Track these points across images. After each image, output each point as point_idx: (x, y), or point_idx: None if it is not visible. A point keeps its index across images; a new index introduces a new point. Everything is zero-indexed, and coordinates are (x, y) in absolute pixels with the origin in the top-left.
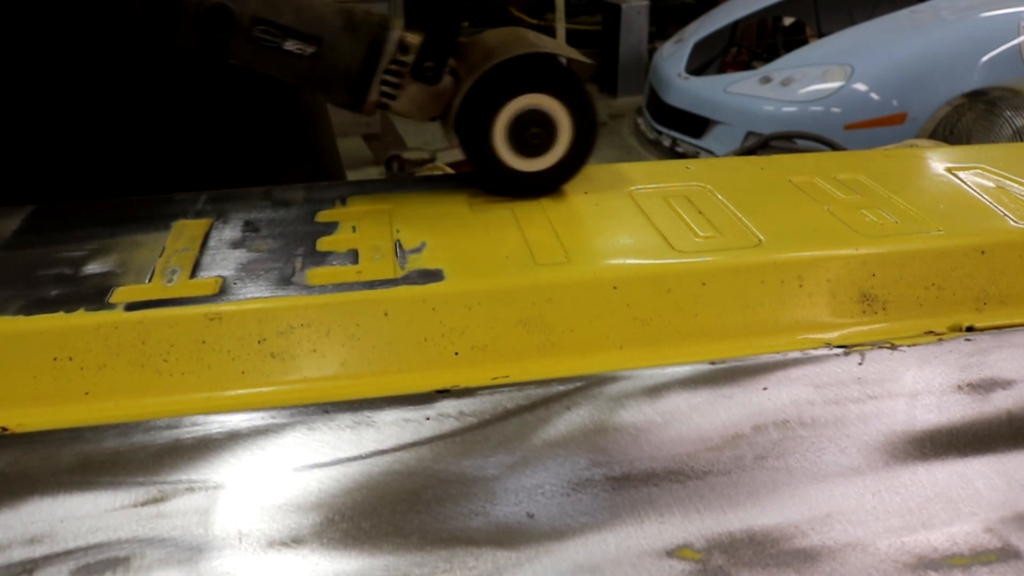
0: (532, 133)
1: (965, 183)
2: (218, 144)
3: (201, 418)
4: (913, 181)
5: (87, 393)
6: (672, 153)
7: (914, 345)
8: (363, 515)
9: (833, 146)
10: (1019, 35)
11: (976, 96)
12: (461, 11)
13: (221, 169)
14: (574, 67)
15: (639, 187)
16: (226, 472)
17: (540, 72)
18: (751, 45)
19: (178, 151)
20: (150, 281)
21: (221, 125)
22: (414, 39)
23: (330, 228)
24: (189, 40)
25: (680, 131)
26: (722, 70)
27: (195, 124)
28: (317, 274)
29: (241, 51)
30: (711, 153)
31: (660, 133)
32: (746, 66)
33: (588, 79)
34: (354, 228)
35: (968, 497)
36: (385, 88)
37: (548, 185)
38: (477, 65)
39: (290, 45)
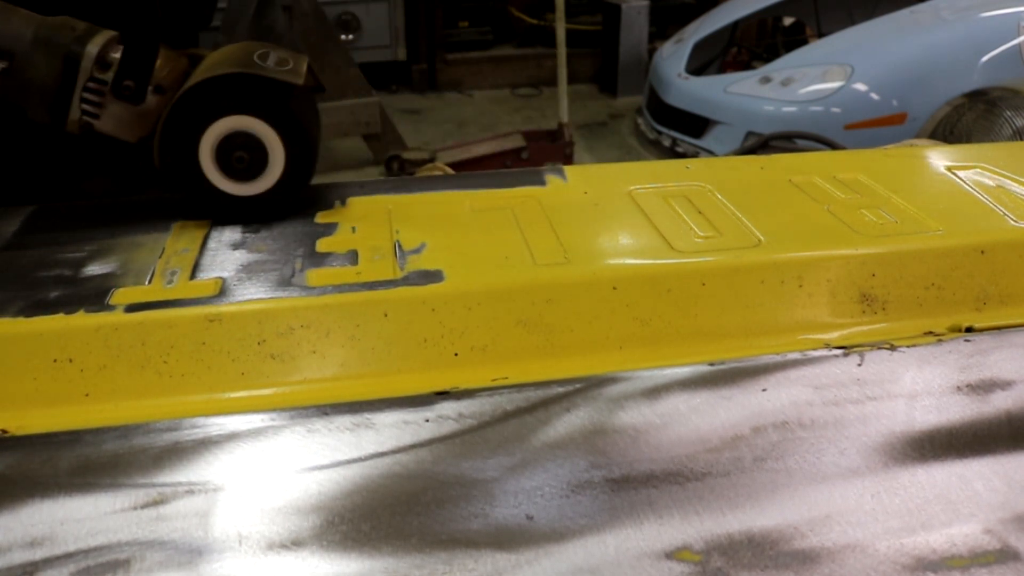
0: (237, 157)
1: (965, 183)
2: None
3: (201, 420)
4: (913, 181)
5: (87, 395)
6: (672, 153)
7: (914, 346)
8: (363, 517)
9: (833, 146)
10: (1019, 35)
11: (976, 96)
12: (156, 29)
13: (146, 177)
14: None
15: (639, 187)
16: (226, 474)
17: (249, 93)
18: (751, 45)
19: (127, 157)
20: (150, 282)
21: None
22: (119, 55)
23: (330, 229)
24: None
25: (680, 131)
26: (722, 70)
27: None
28: (317, 275)
29: None
30: (711, 153)
31: (660, 133)
32: (746, 66)
33: (589, 78)
34: (354, 229)
35: (967, 498)
36: (85, 107)
37: (260, 211)
38: (184, 84)
39: None
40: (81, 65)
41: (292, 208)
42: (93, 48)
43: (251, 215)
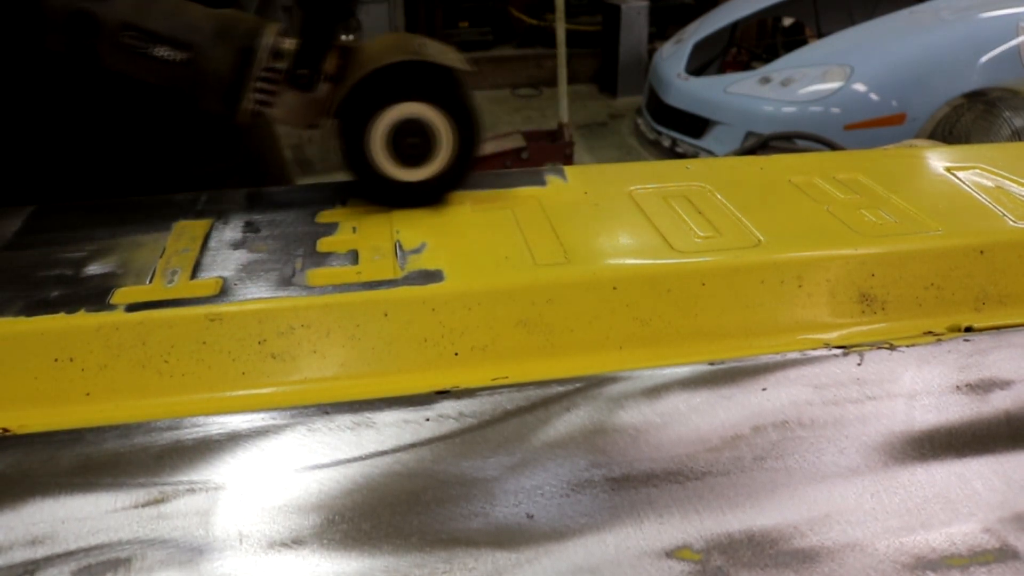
0: (410, 143)
1: (964, 183)
2: (151, 152)
3: (202, 419)
4: (912, 181)
5: (88, 394)
6: (672, 153)
7: (913, 345)
8: (363, 516)
9: (833, 146)
10: (1019, 35)
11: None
12: (334, 18)
13: (155, 177)
14: (460, 75)
15: (639, 187)
16: (227, 473)
17: (418, 80)
18: (751, 45)
19: (110, 159)
20: (151, 282)
21: (155, 133)
22: (290, 45)
23: (330, 229)
24: (58, 45)
25: (680, 131)
26: (722, 70)
27: (126, 133)
28: (317, 275)
29: (110, 57)
30: (711, 153)
31: (660, 133)
32: (746, 66)
33: (589, 78)
34: (354, 229)
35: (966, 498)
36: (259, 95)
37: (429, 196)
38: (355, 72)
39: (160, 51)
40: (257, 55)
41: (293, 209)
42: (268, 39)
43: (419, 200)
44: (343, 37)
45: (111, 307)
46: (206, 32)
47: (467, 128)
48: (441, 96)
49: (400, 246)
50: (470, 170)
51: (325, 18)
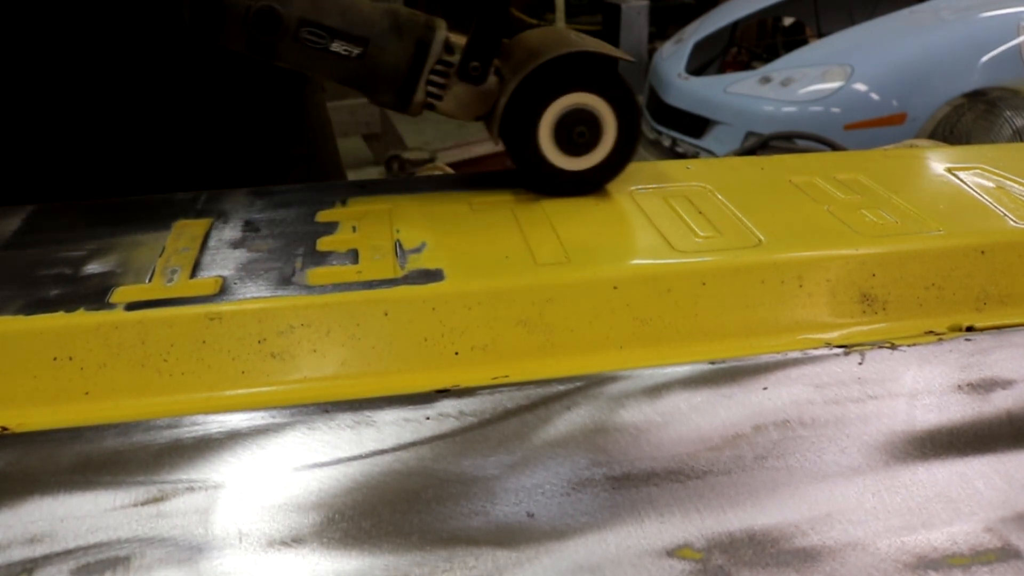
0: (578, 132)
1: (965, 183)
2: (217, 143)
3: (201, 418)
4: (913, 181)
5: (87, 393)
6: (672, 153)
7: (914, 345)
8: (363, 515)
9: (833, 146)
10: (1019, 35)
11: (976, 96)
12: (507, 11)
13: (220, 168)
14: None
15: (639, 187)
16: (226, 472)
17: (585, 71)
18: (751, 45)
19: (177, 150)
20: (150, 281)
21: (221, 124)
22: (459, 39)
23: (330, 228)
24: (235, 42)
25: (680, 131)
26: (722, 70)
27: (194, 123)
28: (317, 274)
29: (288, 53)
30: (711, 153)
31: (660, 133)
32: (746, 66)
33: None
34: (354, 228)
35: (968, 497)
36: (431, 88)
37: (592, 184)
38: (522, 64)
39: (336, 46)
40: (432, 49)
41: (293, 208)
42: (441, 33)
43: (582, 188)
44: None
45: (110, 306)
46: (382, 27)
47: (630, 116)
48: (607, 86)
49: (400, 245)
50: (631, 158)
51: (499, 12)
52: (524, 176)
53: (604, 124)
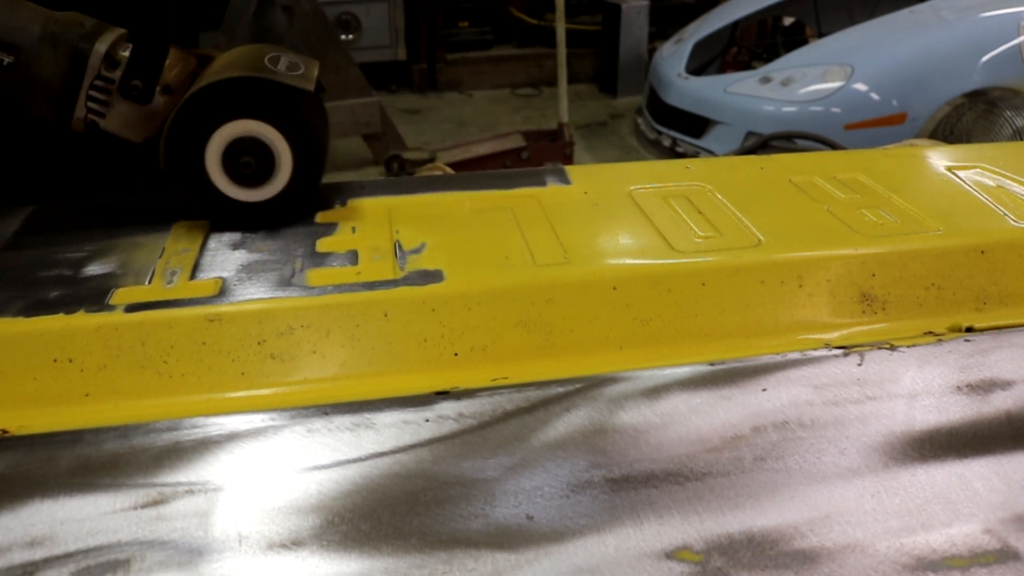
0: (244, 162)
1: (965, 183)
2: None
3: (201, 420)
4: (913, 181)
5: (87, 395)
6: (672, 153)
7: (914, 346)
8: (362, 517)
9: (833, 146)
10: (1019, 35)
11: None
12: (167, 27)
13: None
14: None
15: (639, 187)
16: (226, 474)
17: (254, 97)
18: (751, 45)
19: (127, 156)
20: (150, 282)
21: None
22: (127, 53)
23: (330, 229)
24: None
25: (680, 131)
26: (722, 70)
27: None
28: (317, 275)
29: None
30: (711, 153)
31: (660, 133)
32: (746, 66)
33: (589, 78)
34: (354, 229)
35: (967, 498)
36: (91, 104)
37: (270, 216)
38: (191, 87)
39: None
40: (89, 63)
41: (293, 212)
42: (102, 46)
43: (256, 221)
44: (342, 37)
45: (110, 307)
46: (33, 34)
47: (306, 150)
48: (278, 115)
49: (400, 246)
50: (311, 193)
51: (157, 26)
52: (196, 206)
53: (278, 155)
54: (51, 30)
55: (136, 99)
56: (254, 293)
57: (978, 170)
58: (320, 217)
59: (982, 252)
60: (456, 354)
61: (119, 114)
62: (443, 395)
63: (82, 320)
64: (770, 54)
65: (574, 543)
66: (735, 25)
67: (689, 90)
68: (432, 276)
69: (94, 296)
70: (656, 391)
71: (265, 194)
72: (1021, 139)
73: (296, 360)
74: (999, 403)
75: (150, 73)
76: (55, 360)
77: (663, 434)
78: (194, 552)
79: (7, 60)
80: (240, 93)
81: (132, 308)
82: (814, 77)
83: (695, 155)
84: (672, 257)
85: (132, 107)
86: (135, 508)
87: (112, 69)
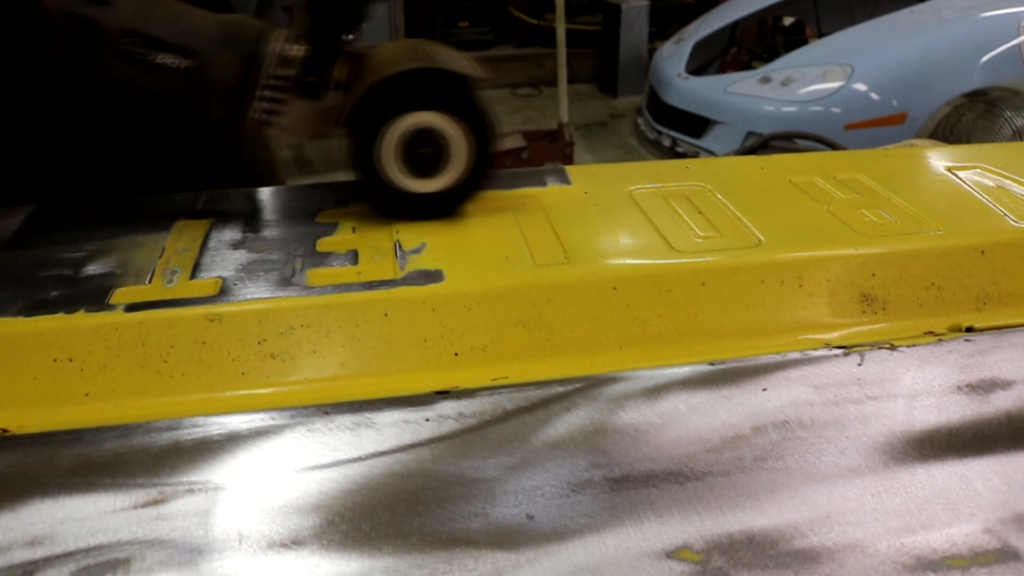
0: (421, 153)
1: (965, 183)
2: (146, 156)
3: (201, 419)
4: (913, 181)
5: (87, 394)
6: (672, 153)
7: (914, 345)
8: (363, 516)
9: (833, 146)
10: (1019, 35)
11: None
12: (344, 23)
13: (149, 182)
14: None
15: (639, 187)
16: (226, 474)
17: (431, 88)
18: (751, 45)
19: (105, 162)
20: (150, 282)
21: (150, 138)
22: (298, 52)
23: (330, 229)
24: (58, 51)
25: (680, 131)
26: (722, 70)
27: (122, 137)
28: (317, 275)
29: (112, 64)
30: (711, 153)
31: (660, 133)
32: (746, 66)
33: (589, 78)
34: (354, 229)
35: (967, 498)
36: (266, 104)
37: (442, 207)
38: (365, 80)
39: (163, 58)
40: (264, 63)
41: (293, 209)
42: (275, 46)
43: (431, 212)
44: (342, 37)
45: (110, 307)
46: (210, 38)
47: (482, 137)
48: (454, 104)
49: (400, 246)
50: (485, 180)
51: (334, 23)
52: (370, 197)
53: (453, 144)
54: (228, 33)
55: (310, 95)
56: (254, 293)
57: (978, 170)
58: (320, 217)
59: (982, 252)
60: (456, 354)
61: (293, 112)
62: (443, 395)
63: (82, 320)
64: (770, 54)
65: (574, 543)
66: (735, 25)
67: (689, 90)
68: (432, 276)
69: (94, 296)
70: (656, 391)
71: (441, 184)
72: (1021, 139)
73: (296, 360)
74: (999, 403)
75: (325, 69)
76: (55, 359)
77: (663, 434)
78: (194, 551)
79: (185, 64)
80: (417, 84)
81: (132, 308)
82: (814, 77)
83: (695, 155)
84: (672, 257)
85: (306, 104)
86: (135, 507)
87: (285, 68)
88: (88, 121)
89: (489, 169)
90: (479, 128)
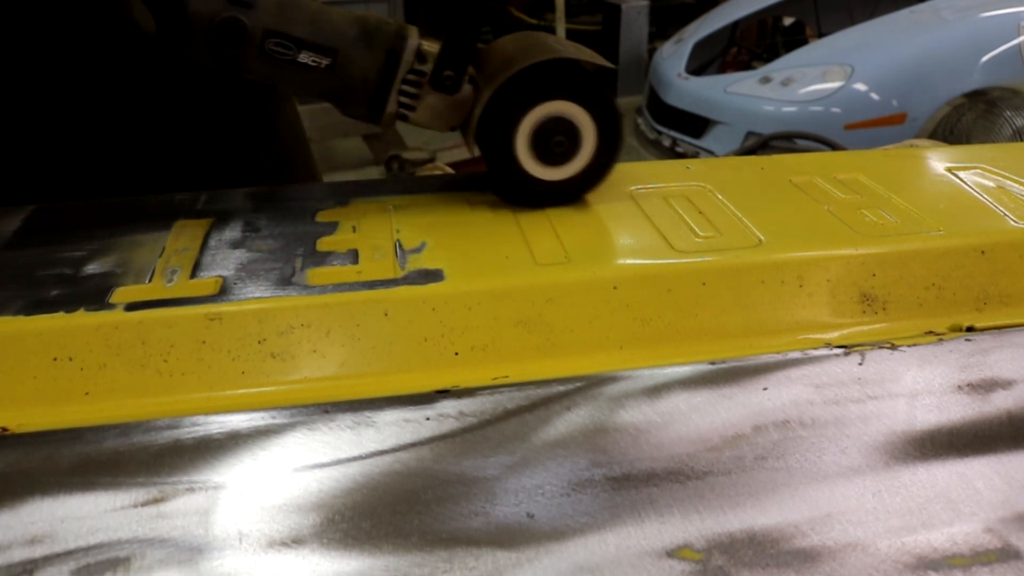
0: (556, 141)
1: (965, 183)
2: (185, 153)
3: (201, 418)
4: (913, 181)
5: (87, 393)
6: (672, 153)
7: (914, 345)
8: (363, 515)
9: (833, 146)
10: (1019, 35)
11: (976, 96)
12: (481, 17)
13: (187, 179)
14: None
15: (639, 187)
16: (226, 472)
17: (563, 78)
18: (751, 45)
19: (144, 159)
20: (150, 281)
21: (189, 135)
22: (432, 47)
23: (330, 228)
24: (202, 55)
25: (680, 131)
26: (722, 70)
27: (162, 134)
28: (317, 274)
29: (255, 65)
30: (711, 153)
31: (660, 133)
32: (746, 66)
33: None
34: (354, 228)
35: (968, 497)
36: (403, 99)
37: (571, 194)
38: (497, 72)
39: (304, 57)
40: (403, 59)
41: (293, 208)
42: (413, 42)
43: (560, 199)
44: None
45: (110, 306)
46: (351, 37)
47: (610, 125)
48: (585, 94)
49: (400, 245)
50: (612, 167)
51: (472, 18)
52: (501, 187)
53: (583, 133)
54: (366, 31)
55: (447, 90)
56: (254, 292)
57: (978, 170)
58: (320, 216)
59: (982, 252)
60: (457, 353)
61: (429, 106)
62: (444, 394)
63: (82, 319)
64: (770, 54)
65: (575, 541)
66: (735, 25)
67: (689, 90)
68: (433, 275)
69: (94, 295)
70: (657, 390)
71: (569, 171)
72: (1021, 139)
73: (296, 359)
74: (1000, 402)
75: (462, 63)
76: (55, 359)
77: (664, 433)
78: (194, 550)
79: (325, 63)
80: (550, 75)
81: (132, 307)
82: (814, 77)
83: (695, 155)
84: (672, 257)
85: (441, 98)
86: (135, 506)
87: (422, 63)
88: (132, 119)
89: (615, 156)
90: (606, 116)
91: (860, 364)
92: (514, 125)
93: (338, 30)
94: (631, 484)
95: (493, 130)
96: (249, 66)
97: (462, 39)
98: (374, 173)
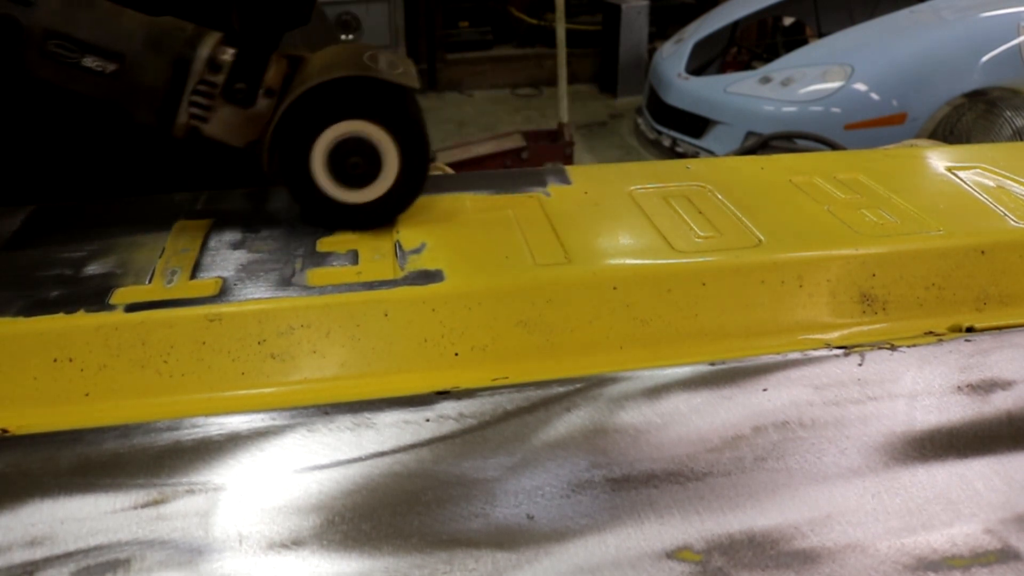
0: (352, 163)
1: (965, 183)
2: (185, 153)
3: (201, 420)
4: (913, 181)
5: (87, 394)
6: (672, 153)
7: (914, 346)
8: (363, 517)
9: (833, 146)
10: (1019, 35)
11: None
12: (274, 26)
13: (187, 179)
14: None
15: (639, 187)
16: (226, 474)
17: (362, 97)
18: (751, 45)
19: (143, 159)
20: (150, 282)
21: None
22: (230, 56)
23: None
24: None
25: (680, 131)
26: (722, 70)
27: (162, 134)
28: (317, 275)
29: (37, 66)
30: (711, 153)
31: (660, 133)
32: (746, 66)
33: (589, 78)
34: None
35: (968, 498)
36: (194, 110)
37: (376, 218)
38: (295, 88)
39: (89, 61)
40: (192, 67)
41: (294, 208)
42: (204, 50)
43: (362, 222)
44: (342, 37)
45: (110, 307)
46: (137, 41)
47: (414, 149)
48: (386, 113)
49: (400, 246)
50: (418, 193)
51: (263, 27)
52: (301, 208)
53: (384, 154)
54: (154, 36)
55: (240, 102)
56: (254, 293)
57: (978, 170)
58: None
59: (982, 252)
60: (456, 354)
61: (222, 118)
62: (443, 395)
63: (82, 320)
64: (770, 54)
65: (575, 543)
66: (735, 25)
67: (689, 90)
68: (432, 276)
69: (94, 296)
70: (656, 391)
71: (371, 195)
72: (1021, 139)
73: (296, 360)
74: (999, 403)
75: (254, 75)
76: (55, 359)
77: (664, 434)
78: (194, 552)
79: (111, 68)
80: (348, 93)
81: (132, 308)
82: (814, 77)
83: (695, 155)
84: (672, 257)
85: (235, 111)
86: (135, 507)
87: (215, 73)
88: (110, 123)
89: (422, 181)
90: (410, 137)
91: (860, 365)
92: (308, 145)
93: (125, 34)
94: (631, 485)
95: (287, 149)
96: (32, 67)
97: (254, 50)
98: None
